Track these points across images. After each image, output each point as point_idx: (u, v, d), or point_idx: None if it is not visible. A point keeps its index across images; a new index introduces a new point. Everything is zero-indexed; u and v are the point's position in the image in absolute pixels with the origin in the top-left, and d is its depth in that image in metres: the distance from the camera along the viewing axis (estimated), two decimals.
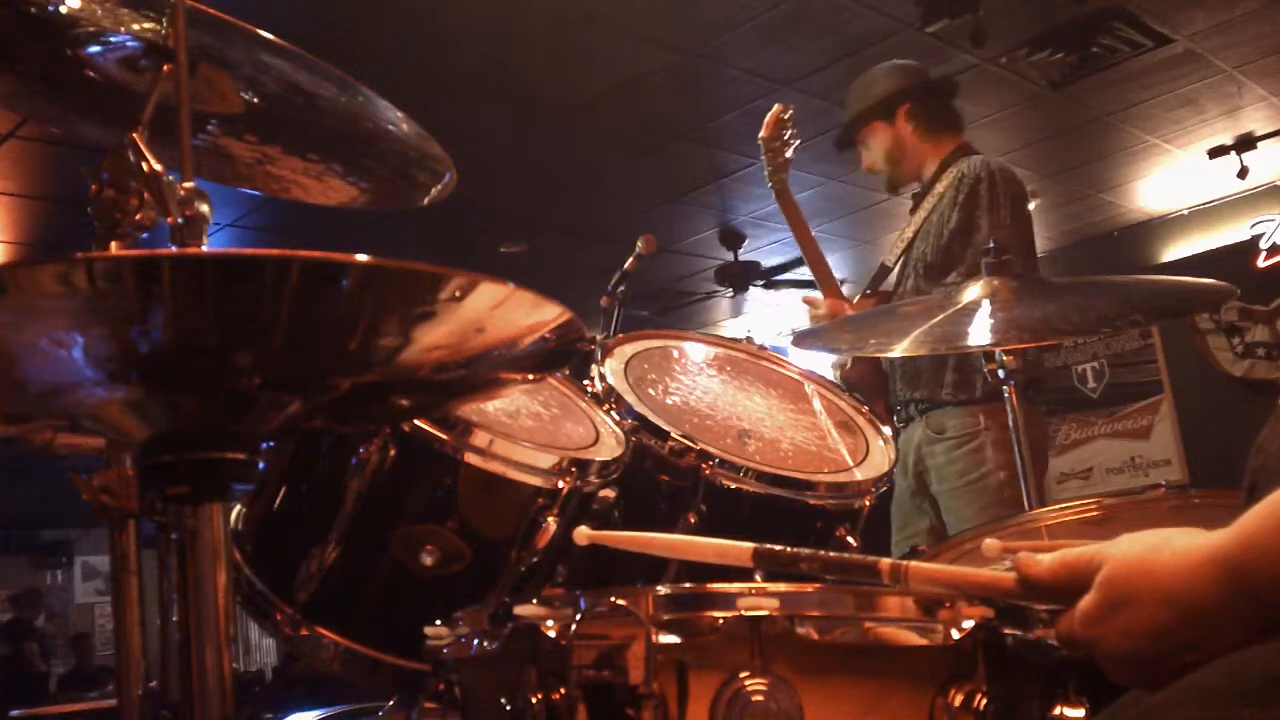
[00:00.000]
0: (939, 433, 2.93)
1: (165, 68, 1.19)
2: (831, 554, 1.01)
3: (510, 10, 4.44)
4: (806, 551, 1.00)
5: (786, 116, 3.16)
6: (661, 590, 0.95)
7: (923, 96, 3.17)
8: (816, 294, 3.15)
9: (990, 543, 1.16)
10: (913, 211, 3.17)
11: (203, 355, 0.89)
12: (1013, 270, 2.03)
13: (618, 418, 1.74)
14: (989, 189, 2.90)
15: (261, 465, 1.07)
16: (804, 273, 7.25)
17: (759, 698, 0.87)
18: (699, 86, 5.28)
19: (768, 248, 7.55)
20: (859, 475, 1.82)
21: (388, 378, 1.02)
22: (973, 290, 2.01)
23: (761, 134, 3.17)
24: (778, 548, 1.01)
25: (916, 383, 2.98)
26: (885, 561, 0.97)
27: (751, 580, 1.05)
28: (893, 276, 3.15)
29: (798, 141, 3.19)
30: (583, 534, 1.12)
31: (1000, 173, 2.95)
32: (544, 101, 5.22)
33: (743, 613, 0.90)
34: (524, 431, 1.59)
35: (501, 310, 0.95)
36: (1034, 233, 3.03)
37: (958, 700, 0.91)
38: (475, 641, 1.05)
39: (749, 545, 1.02)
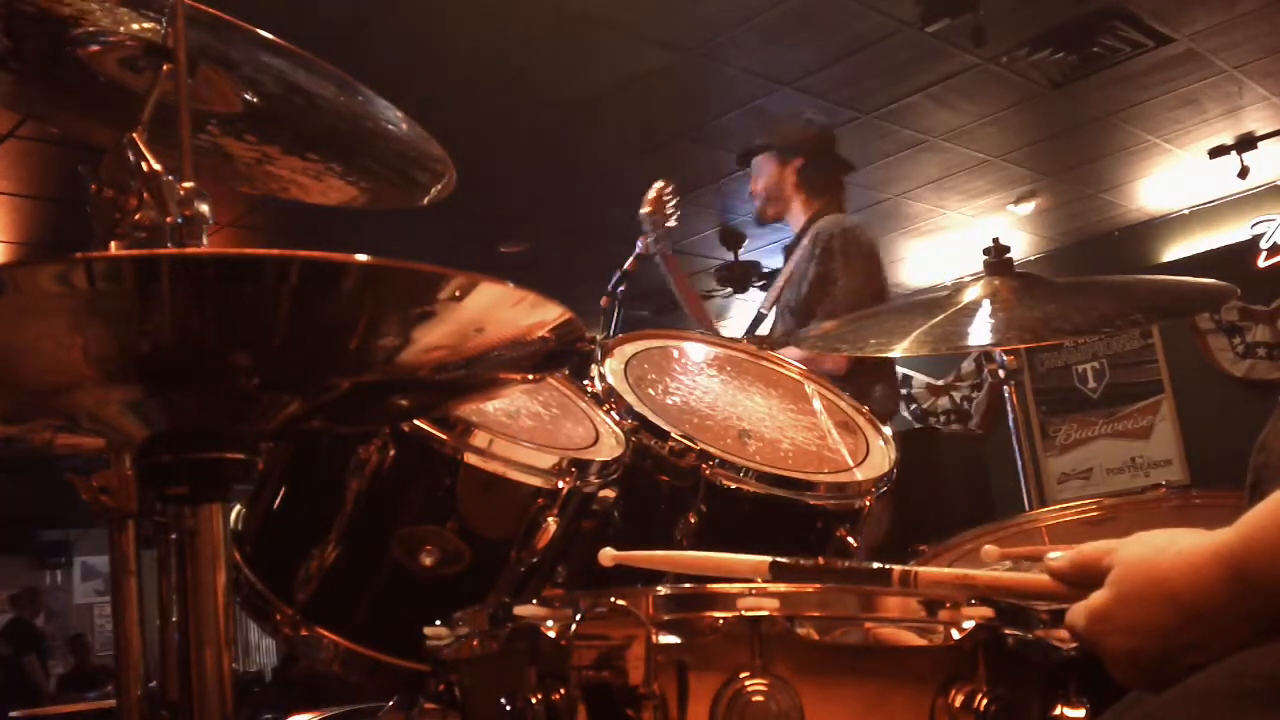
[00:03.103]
0: None
1: (165, 67, 1.19)
2: (847, 565, 1.03)
3: (510, 10, 4.44)
4: (822, 564, 1.04)
5: (669, 191, 3.34)
6: (661, 590, 0.95)
7: (817, 161, 3.46)
8: None
9: (989, 548, 1.17)
10: (785, 262, 3.44)
11: (202, 355, 0.89)
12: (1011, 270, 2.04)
13: (618, 418, 1.74)
14: (842, 246, 3.23)
15: (261, 465, 1.07)
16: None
17: (759, 698, 0.87)
18: (699, 86, 5.28)
19: (768, 248, 7.54)
20: (859, 475, 1.81)
21: (387, 378, 1.01)
22: (973, 290, 2.01)
23: (642, 209, 3.31)
24: (789, 560, 1.04)
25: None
26: (897, 569, 0.98)
27: (751, 580, 1.05)
28: (767, 322, 3.41)
29: (678, 212, 3.37)
30: (608, 555, 1.12)
31: (852, 230, 3.30)
32: (544, 101, 5.22)
33: (743, 613, 0.89)
34: (524, 431, 1.59)
35: (501, 310, 0.95)
36: (886, 281, 3.35)
37: (958, 701, 0.91)
38: (475, 641, 1.04)
39: (766, 559, 1.05)
